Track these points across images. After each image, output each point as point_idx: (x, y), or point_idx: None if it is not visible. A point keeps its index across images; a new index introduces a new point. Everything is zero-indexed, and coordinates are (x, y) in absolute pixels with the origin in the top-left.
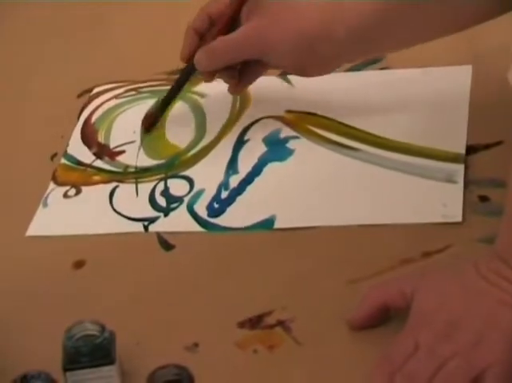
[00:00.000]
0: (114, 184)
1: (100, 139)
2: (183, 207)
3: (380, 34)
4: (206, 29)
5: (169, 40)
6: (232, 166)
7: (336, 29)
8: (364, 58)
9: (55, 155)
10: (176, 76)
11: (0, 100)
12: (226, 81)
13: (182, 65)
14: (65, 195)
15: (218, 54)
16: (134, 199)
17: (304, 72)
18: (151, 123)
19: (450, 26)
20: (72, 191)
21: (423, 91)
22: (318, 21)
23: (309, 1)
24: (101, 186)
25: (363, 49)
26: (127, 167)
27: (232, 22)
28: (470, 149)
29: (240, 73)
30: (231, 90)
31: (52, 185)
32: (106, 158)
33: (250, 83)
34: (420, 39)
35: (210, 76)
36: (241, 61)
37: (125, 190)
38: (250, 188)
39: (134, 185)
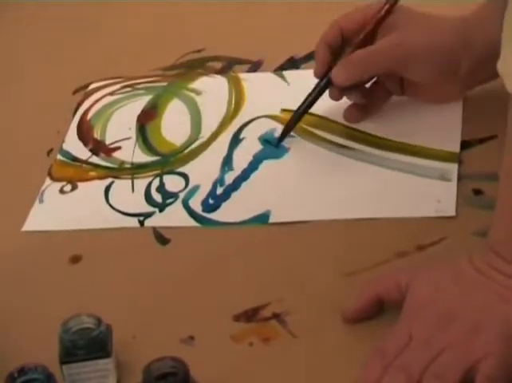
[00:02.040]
0: (110, 180)
1: (96, 135)
2: (179, 203)
3: None
4: (338, 44)
5: (165, 36)
6: (227, 163)
7: (476, 41)
8: (494, 78)
9: (51, 150)
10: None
11: None
12: (355, 100)
13: (175, 60)
14: (61, 191)
15: (357, 66)
16: (130, 195)
17: (437, 93)
18: (280, 138)
19: None
20: (68, 187)
21: None
22: (458, 32)
23: (447, 16)
24: (97, 182)
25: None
26: (122, 163)
27: (369, 39)
28: (465, 144)
29: (369, 95)
30: (354, 116)
31: (48, 181)
32: (102, 154)
33: (379, 107)
34: None
35: (340, 94)
36: (375, 77)
37: (121, 186)
38: (245, 185)
39: (130, 181)
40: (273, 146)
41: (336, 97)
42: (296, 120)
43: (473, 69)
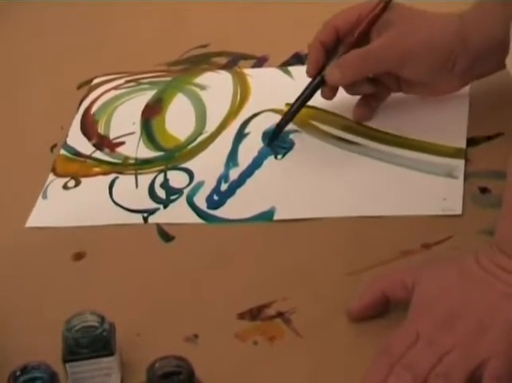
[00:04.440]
0: (113, 176)
1: (100, 130)
2: (183, 199)
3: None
4: (333, 42)
5: (169, 32)
6: (232, 159)
7: (472, 38)
8: (490, 73)
9: (55, 146)
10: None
11: (0, 92)
12: (367, 91)
13: (180, 55)
14: (65, 187)
15: (352, 66)
16: (133, 191)
17: (434, 88)
18: (273, 137)
19: None
20: (72, 183)
21: None
22: (454, 30)
23: (441, 13)
24: (101, 177)
25: (494, 60)
26: (126, 158)
27: (364, 37)
28: (471, 141)
29: (365, 98)
30: (364, 114)
31: (51, 176)
32: (106, 149)
33: (383, 101)
34: None
35: (333, 93)
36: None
37: (125, 181)
38: (249, 181)
39: (134, 177)
40: (277, 142)
41: (328, 96)
42: (288, 119)
43: (469, 65)
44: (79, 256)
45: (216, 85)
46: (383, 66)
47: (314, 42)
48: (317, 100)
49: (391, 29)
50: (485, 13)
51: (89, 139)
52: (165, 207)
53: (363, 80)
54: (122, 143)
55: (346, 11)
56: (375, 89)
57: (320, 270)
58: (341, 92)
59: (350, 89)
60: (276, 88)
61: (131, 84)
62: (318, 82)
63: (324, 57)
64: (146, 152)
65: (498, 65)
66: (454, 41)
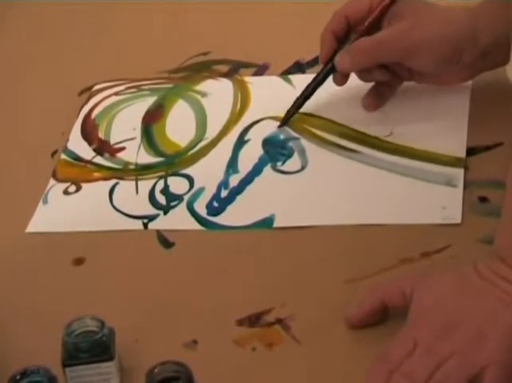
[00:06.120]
0: (114, 181)
1: (101, 135)
2: (183, 206)
3: None
4: (343, 31)
5: (171, 39)
6: (232, 165)
7: (481, 33)
8: (496, 67)
9: (55, 152)
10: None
11: (0, 98)
12: (380, 78)
13: (181, 62)
14: (65, 192)
15: (362, 54)
16: (134, 197)
17: (443, 78)
18: (285, 119)
19: None
20: (73, 188)
21: (423, 94)
22: (463, 24)
23: (453, 6)
24: (101, 183)
25: (501, 55)
26: (127, 164)
27: (375, 26)
28: (471, 150)
29: (377, 86)
30: (372, 103)
31: (52, 181)
32: (106, 154)
33: (393, 91)
34: None
35: (345, 79)
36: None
37: (125, 187)
38: (249, 188)
39: (134, 182)
40: (277, 149)
41: (340, 83)
42: (299, 105)
43: (476, 58)
44: (79, 261)
45: (217, 92)
46: (391, 56)
47: (325, 31)
48: (317, 107)
49: (401, 21)
50: (496, 10)
51: (90, 143)
52: (165, 213)
53: (375, 67)
54: (122, 148)
55: (357, 1)
56: (387, 76)
57: (319, 277)
58: (340, 101)
59: (363, 76)
60: (276, 96)
61: (132, 90)
62: (329, 69)
63: (336, 45)
64: (146, 158)
65: (505, 60)
66: (461, 35)
